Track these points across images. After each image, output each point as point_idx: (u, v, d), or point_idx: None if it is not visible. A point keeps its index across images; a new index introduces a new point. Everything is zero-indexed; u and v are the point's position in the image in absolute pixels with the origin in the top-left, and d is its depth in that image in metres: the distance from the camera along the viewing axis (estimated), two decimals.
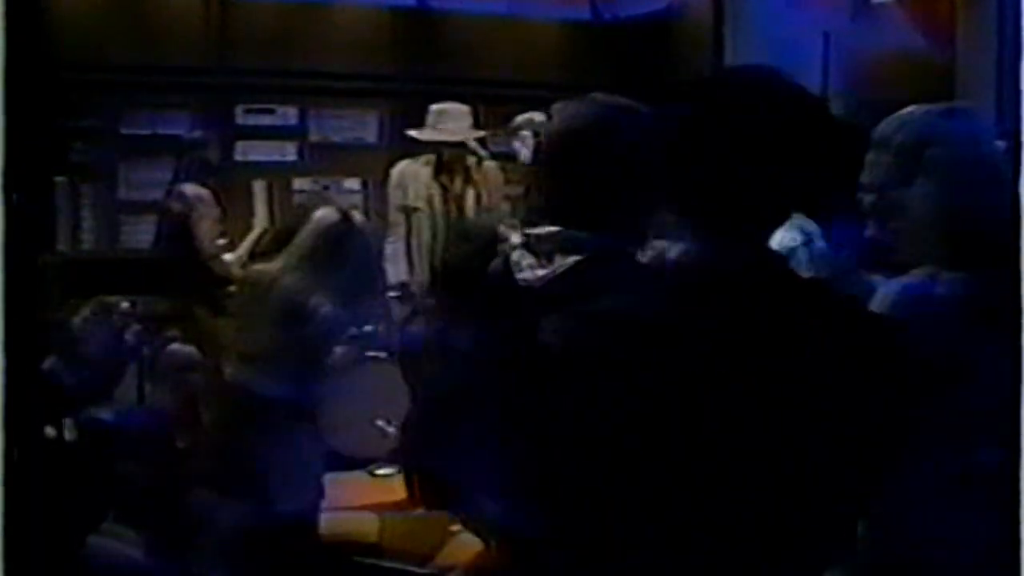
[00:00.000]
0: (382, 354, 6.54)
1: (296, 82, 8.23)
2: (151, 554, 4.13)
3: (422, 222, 6.07)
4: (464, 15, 8.65)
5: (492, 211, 6.09)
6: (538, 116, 6.29)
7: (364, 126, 8.50)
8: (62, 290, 7.07)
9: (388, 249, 6.28)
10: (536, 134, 6.22)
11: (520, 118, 6.33)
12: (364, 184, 8.20)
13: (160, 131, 7.82)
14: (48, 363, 4.71)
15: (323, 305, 4.09)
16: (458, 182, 6.12)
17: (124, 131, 7.92)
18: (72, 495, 3.86)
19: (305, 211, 7.31)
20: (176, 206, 6.66)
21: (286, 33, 8.23)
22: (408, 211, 6.07)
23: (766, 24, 7.01)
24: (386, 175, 6.46)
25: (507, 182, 6.28)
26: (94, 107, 7.81)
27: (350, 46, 8.39)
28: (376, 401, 5.79)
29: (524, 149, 6.26)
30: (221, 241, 6.74)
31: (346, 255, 4.22)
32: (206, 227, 6.52)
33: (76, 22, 7.72)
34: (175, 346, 5.72)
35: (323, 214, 4.33)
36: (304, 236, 4.27)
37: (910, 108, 2.24)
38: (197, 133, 7.56)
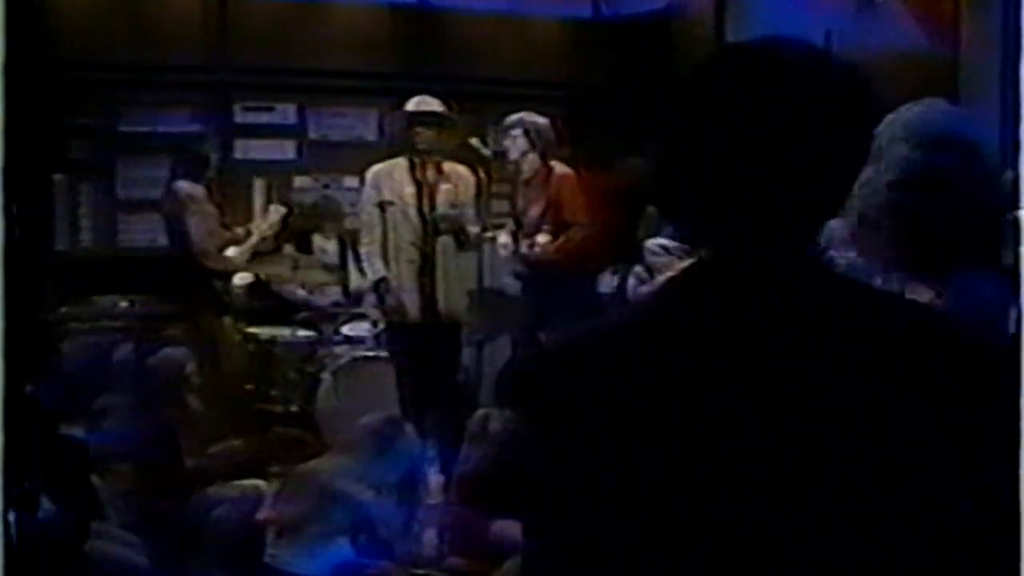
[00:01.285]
0: (383, 354, 6.55)
1: (295, 80, 8.20)
2: (150, 557, 4.12)
3: (396, 217, 6.05)
4: (464, 13, 8.63)
5: (464, 208, 6.09)
6: (528, 116, 6.29)
7: (364, 124, 8.47)
8: (60, 289, 7.07)
9: (363, 250, 6.28)
10: (527, 132, 6.22)
11: (512, 117, 6.31)
12: (363, 182, 8.18)
13: (159, 129, 7.79)
14: (45, 362, 4.69)
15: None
16: (431, 180, 6.09)
17: (123, 129, 7.89)
18: (70, 497, 3.83)
19: (307, 209, 7.40)
20: (168, 204, 6.63)
21: (285, 31, 8.20)
22: (383, 206, 6.04)
23: (767, 21, 6.98)
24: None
25: (491, 180, 6.26)
26: (93, 105, 7.78)
27: (349, 44, 8.37)
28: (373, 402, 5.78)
29: (514, 148, 6.25)
30: (227, 235, 6.71)
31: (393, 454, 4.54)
32: (197, 224, 6.47)
33: (75, 20, 7.70)
34: (168, 350, 5.72)
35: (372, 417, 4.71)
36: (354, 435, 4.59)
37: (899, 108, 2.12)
38: (195, 131, 7.55)
